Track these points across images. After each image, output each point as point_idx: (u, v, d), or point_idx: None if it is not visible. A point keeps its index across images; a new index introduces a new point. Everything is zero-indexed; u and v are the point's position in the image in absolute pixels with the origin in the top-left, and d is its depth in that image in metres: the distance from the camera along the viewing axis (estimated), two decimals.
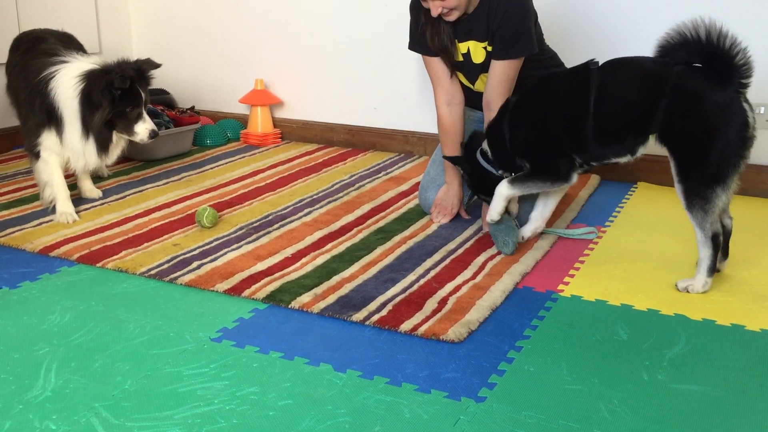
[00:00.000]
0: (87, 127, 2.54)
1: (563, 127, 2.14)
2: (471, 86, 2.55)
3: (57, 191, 2.62)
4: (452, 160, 2.51)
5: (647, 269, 2.23)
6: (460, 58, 2.47)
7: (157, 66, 2.67)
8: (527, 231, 2.40)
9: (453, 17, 2.34)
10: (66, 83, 2.52)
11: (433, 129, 3.34)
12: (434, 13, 2.31)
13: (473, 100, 2.57)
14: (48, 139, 2.58)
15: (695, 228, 2.03)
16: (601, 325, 1.88)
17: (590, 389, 1.59)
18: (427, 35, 2.42)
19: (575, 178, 2.21)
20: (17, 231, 2.47)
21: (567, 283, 2.13)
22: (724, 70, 1.94)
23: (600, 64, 2.12)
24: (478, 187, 2.44)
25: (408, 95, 3.58)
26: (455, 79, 2.54)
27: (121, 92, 2.51)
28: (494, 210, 2.28)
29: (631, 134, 2.07)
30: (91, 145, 2.57)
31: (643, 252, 2.37)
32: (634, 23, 3.03)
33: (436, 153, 2.74)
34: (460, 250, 2.35)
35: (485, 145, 2.36)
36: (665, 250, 2.39)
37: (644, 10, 3.01)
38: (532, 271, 2.22)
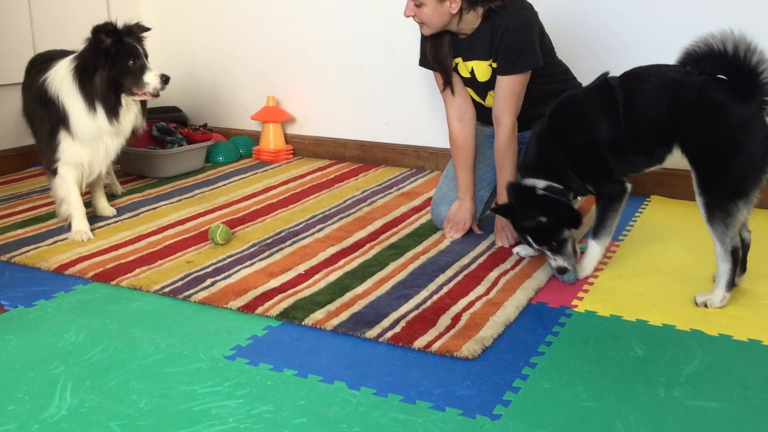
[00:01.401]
0: (91, 98, 2.50)
1: (608, 148, 2.12)
2: (482, 102, 2.55)
3: (73, 209, 2.64)
4: (514, 214, 2.21)
5: (662, 284, 2.22)
6: (467, 75, 2.48)
7: (145, 29, 2.63)
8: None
9: (424, 31, 2.40)
10: (59, 71, 2.55)
11: (444, 144, 3.35)
12: (405, 12, 2.34)
13: (484, 115, 2.58)
14: (65, 150, 2.59)
15: (715, 242, 2.01)
16: (616, 341, 1.87)
17: (606, 406, 1.58)
18: (428, 48, 2.46)
19: (629, 187, 2.19)
20: (32, 249, 2.49)
21: (581, 299, 2.12)
22: (748, 86, 1.93)
23: (618, 76, 2.12)
24: (567, 221, 2.17)
25: (419, 110, 3.59)
26: (466, 94, 2.54)
27: (116, 50, 2.50)
28: (591, 267, 2.24)
29: (659, 145, 2.08)
30: (101, 116, 2.53)
31: (657, 266, 2.36)
32: (642, 36, 3.03)
33: (448, 168, 2.74)
34: (473, 266, 2.35)
35: (541, 183, 2.18)
36: (680, 264, 2.37)
37: (652, 25, 3.01)
38: (546, 287, 2.21)
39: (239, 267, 2.33)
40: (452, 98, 2.54)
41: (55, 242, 2.57)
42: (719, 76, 2.00)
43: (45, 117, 2.59)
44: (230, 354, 1.80)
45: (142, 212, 2.92)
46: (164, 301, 2.11)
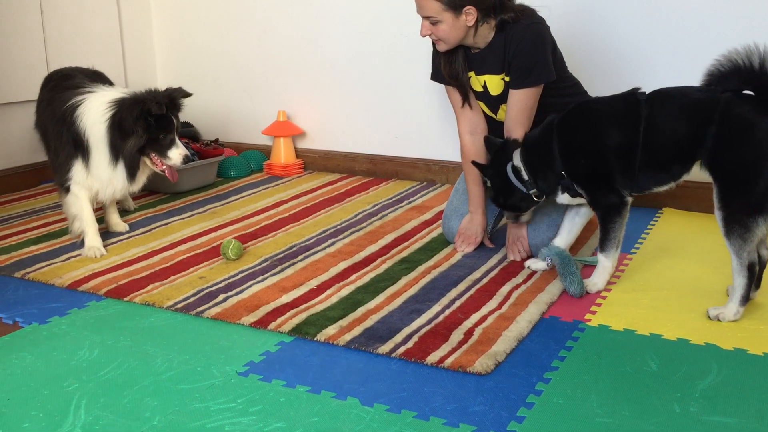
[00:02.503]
0: (116, 154, 2.57)
1: (616, 157, 2.12)
2: (493, 116, 2.56)
3: (86, 225, 2.66)
4: (479, 166, 2.44)
5: (676, 297, 2.20)
6: (480, 89, 2.49)
7: (187, 95, 2.71)
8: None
9: (441, 48, 2.41)
10: (94, 110, 2.57)
11: (455, 157, 3.35)
12: (422, 32, 2.36)
13: (496, 129, 2.58)
14: (78, 173, 2.62)
15: (732, 256, 2.00)
16: (630, 356, 1.86)
17: (621, 422, 1.57)
18: (441, 63, 2.47)
19: (629, 200, 2.19)
20: (46, 266, 2.50)
21: (594, 313, 2.11)
22: None
23: (646, 93, 2.12)
24: (501, 202, 2.39)
25: (429, 124, 3.60)
26: (478, 108, 2.55)
27: (155, 120, 2.55)
28: (603, 281, 2.24)
29: (678, 164, 2.07)
30: (120, 172, 2.59)
31: (670, 279, 2.34)
32: (652, 52, 3.03)
33: (459, 182, 2.74)
34: (485, 280, 2.34)
35: (517, 161, 2.29)
36: (693, 277, 2.36)
37: (662, 40, 3.01)
38: (558, 301, 2.20)
39: (251, 282, 2.34)
40: (464, 112, 2.54)
41: (68, 258, 2.58)
42: (744, 92, 1.98)
43: (66, 141, 2.61)
44: (243, 370, 1.81)
45: (154, 228, 2.94)
46: (177, 317, 2.12)
